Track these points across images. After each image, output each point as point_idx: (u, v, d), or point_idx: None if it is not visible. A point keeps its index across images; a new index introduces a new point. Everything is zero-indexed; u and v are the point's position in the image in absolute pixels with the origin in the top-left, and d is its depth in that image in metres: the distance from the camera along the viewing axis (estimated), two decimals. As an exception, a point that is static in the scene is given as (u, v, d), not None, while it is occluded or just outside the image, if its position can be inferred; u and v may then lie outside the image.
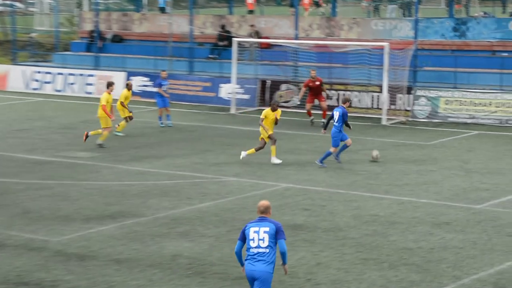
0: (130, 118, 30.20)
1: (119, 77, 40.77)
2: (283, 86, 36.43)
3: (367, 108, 34.19)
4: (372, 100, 34.16)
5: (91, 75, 41.78)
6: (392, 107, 33.41)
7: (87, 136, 27.91)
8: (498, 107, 31.59)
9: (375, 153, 24.95)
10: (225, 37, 41.47)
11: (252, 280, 12.20)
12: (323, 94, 32.36)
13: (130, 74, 40.53)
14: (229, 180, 23.02)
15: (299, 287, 14.64)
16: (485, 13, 55.21)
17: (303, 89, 32.18)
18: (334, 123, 24.55)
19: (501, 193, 21.15)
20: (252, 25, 41.60)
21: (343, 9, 52.07)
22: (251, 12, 58.34)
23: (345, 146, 24.74)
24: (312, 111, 32.13)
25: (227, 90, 37.33)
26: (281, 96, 36.25)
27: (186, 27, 42.39)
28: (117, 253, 16.54)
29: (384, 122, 32.38)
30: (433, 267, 15.55)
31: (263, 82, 36.82)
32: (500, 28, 36.16)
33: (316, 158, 25.59)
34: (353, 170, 24.10)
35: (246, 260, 12.20)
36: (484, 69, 34.68)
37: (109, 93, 28.18)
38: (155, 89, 33.21)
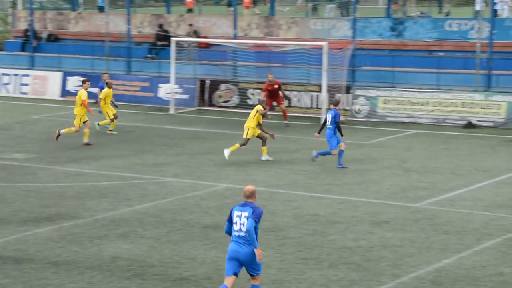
0: (115, 116, 30.36)
1: (55, 77, 40.46)
2: (222, 86, 36.46)
3: (307, 108, 34.41)
4: (311, 100, 34.39)
5: (26, 75, 41.31)
6: (331, 106, 33.62)
7: (59, 135, 28.03)
8: (435, 106, 32.06)
9: (357, 107, 24.98)
10: (163, 36, 41.35)
11: (234, 259, 12.97)
12: (281, 95, 32.38)
13: (67, 74, 40.22)
14: (169, 181, 22.97)
15: (240, 287, 14.68)
16: (421, 13, 55.96)
17: (264, 93, 32.17)
18: (328, 126, 24.54)
19: (439, 191, 21.48)
20: (190, 25, 41.54)
21: (282, 8, 52.39)
22: (190, 11, 58.29)
23: (341, 152, 24.48)
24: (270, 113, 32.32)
25: (165, 90, 37.23)
26: (220, 96, 36.30)
27: (123, 27, 42.12)
28: (55, 256, 16.39)
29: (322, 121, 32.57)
30: (373, 265, 15.73)
31: (202, 82, 36.80)
32: (436, 28, 36.69)
33: (256, 157, 25.71)
34: (293, 170, 24.24)
35: (231, 241, 12.96)
36: (421, 68, 35.14)
37: (85, 90, 28.53)
38: (94, 90, 33.00)
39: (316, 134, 25.58)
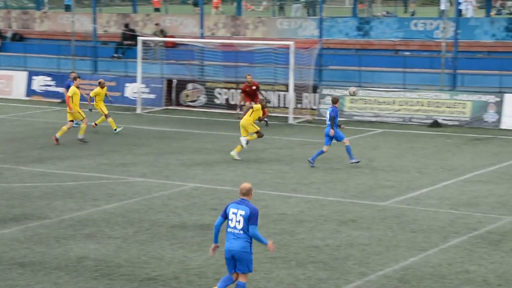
0: (106, 116, 30.53)
1: (20, 77, 40.16)
2: (190, 86, 36.39)
3: (274, 107, 34.44)
4: (279, 99, 34.44)
5: (-9, 75, 40.97)
6: (299, 106, 33.78)
7: (57, 139, 28.19)
8: (402, 105, 32.25)
9: (353, 89, 25.26)
10: (130, 36, 41.21)
11: (230, 257, 13.20)
12: (260, 96, 32.28)
13: (32, 74, 39.96)
14: (136, 181, 22.89)
15: (208, 287, 14.67)
16: (387, 12, 56.33)
17: (242, 95, 32.10)
18: (327, 123, 24.63)
19: (405, 190, 21.60)
20: (157, 24, 41.44)
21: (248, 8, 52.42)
22: (157, 10, 58.19)
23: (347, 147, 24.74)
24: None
25: (132, 90, 37.11)
26: (187, 96, 36.24)
27: (89, 26, 41.94)
28: (21, 257, 16.26)
29: (290, 121, 32.70)
30: (340, 264, 15.79)
31: (169, 82, 36.71)
32: (402, 27, 36.91)
33: (223, 157, 25.72)
34: (261, 169, 24.27)
35: (226, 237, 13.20)
36: (388, 68, 35.33)
37: (76, 87, 28.56)
38: (61, 89, 32.85)
39: (331, 131, 25.23)
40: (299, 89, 33.56)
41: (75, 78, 29.16)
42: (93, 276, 15.26)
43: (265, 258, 16.12)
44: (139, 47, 35.71)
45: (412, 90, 32.44)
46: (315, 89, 33.83)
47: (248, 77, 31.89)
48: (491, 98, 30.95)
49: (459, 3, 36.18)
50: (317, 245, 16.98)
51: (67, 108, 28.54)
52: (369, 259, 16.06)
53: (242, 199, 13.24)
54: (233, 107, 35.09)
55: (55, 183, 22.66)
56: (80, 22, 43.50)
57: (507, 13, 59.50)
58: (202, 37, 37.73)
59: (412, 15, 56.43)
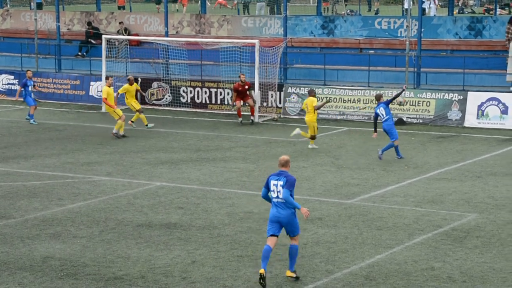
0: (140, 110, 31.02)
1: (-17, 75, 39.77)
2: (155, 84, 36.26)
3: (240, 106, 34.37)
4: (244, 98, 34.39)
5: (-49, 73, 40.54)
6: (264, 104, 33.81)
7: (116, 133, 29.02)
8: (367, 103, 32.39)
9: (401, 99, 25.57)
10: (93, 34, 40.98)
11: (276, 221, 14.60)
12: (249, 95, 32.25)
13: (-5, 72, 39.59)
14: (101, 180, 22.76)
15: (174, 286, 14.63)
16: (351, 11, 56.58)
17: (234, 93, 32.08)
18: (385, 118, 25.00)
19: (371, 187, 21.70)
20: (121, 22, 41.22)
21: (212, 7, 52.36)
22: (121, 8, 57.97)
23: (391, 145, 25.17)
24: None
25: (97, 88, 36.89)
26: (152, 94, 36.09)
27: (52, 24, 41.66)
28: (-14, 257, 16.12)
29: (256, 119, 32.69)
30: (307, 262, 15.81)
31: (134, 80, 36.43)
32: (366, 26, 37.05)
33: (189, 155, 25.68)
34: (227, 168, 24.24)
35: (272, 205, 14.64)
36: (352, 66, 35.48)
37: (109, 86, 29.26)
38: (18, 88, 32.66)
39: (374, 134, 25.63)
40: (265, 88, 33.60)
41: (107, 78, 29.88)
42: (59, 276, 15.15)
43: (232, 257, 16.11)
44: (104, 45, 35.53)
45: (377, 88, 32.58)
46: (280, 87, 33.88)
47: (242, 76, 31.95)
48: (455, 96, 31.19)
49: (422, 2, 36.40)
50: (284, 243, 16.94)
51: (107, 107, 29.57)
52: (335, 256, 16.10)
53: (280, 170, 14.67)
54: (199, 105, 35.08)
55: (19, 182, 22.47)
56: (43, 20, 43.21)
57: (469, 12, 60.06)
58: (166, 35, 37.60)
59: (376, 13, 56.70)
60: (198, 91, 35.33)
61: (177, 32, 40.14)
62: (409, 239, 17.16)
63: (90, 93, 37.38)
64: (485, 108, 30.72)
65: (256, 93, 32.82)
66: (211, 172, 23.67)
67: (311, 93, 27.28)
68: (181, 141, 28.67)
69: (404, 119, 31.58)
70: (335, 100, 32.77)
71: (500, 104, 30.35)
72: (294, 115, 33.33)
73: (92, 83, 37.39)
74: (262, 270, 14.33)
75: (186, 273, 15.24)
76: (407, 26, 33.57)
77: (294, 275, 14.74)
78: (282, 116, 33.40)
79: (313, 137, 27.06)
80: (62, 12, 43.33)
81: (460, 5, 62.40)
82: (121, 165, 24.67)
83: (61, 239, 17.36)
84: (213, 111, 34.69)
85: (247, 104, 32.27)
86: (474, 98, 30.92)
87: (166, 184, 22.19)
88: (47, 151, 26.92)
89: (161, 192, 21.35)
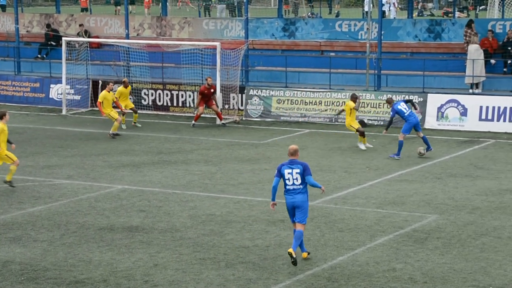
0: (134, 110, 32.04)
1: None
2: (116, 87, 36.04)
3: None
4: (206, 100, 34.36)
5: None
6: (226, 106, 33.80)
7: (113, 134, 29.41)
8: (328, 105, 32.51)
9: (421, 150, 25.88)
10: (52, 36, 40.70)
11: (292, 208, 15.77)
12: (213, 99, 32.18)
13: (-47, 75, 39.13)
14: (62, 183, 22.59)
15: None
16: (312, 13, 56.78)
17: (199, 96, 31.97)
18: (408, 112, 25.80)
19: (332, 189, 21.76)
20: (81, 25, 40.99)
21: (174, 8, 52.26)
22: (84, 10, 57.73)
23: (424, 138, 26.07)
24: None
25: (57, 91, 36.65)
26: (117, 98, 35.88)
27: (11, 26, 41.32)
28: None
29: (218, 122, 32.67)
30: (269, 264, 15.83)
31: (95, 83, 36.34)
32: (327, 28, 37.20)
33: (151, 158, 25.60)
34: (189, 170, 24.19)
35: (285, 194, 15.76)
36: (313, 68, 35.60)
37: (108, 92, 29.73)
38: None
39: (384, 131, 27.08)
40: (226, 90, 33.59)
41: (107, 83, 30.30)
42: (19, 280, 15.02)
43: (195, 260, 16.09)
44: (64, 48, 35.30)
45: (338, 91, 32.74)
46: (242, 89, 33.89)
47: (209, 79, 31.88)
48: (415, 98, 31.40)
49: (382, 5, 36.64)
50: (246, 245, 17.00)
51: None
52: (297, 258, 16.11)
53: (291, 160, 15.71)
54: (160, 108, 34.96)
55: (-22, 186, 22.23)
56: (2, 22, 42.91)
57: (428, 15, 60.56)
58: (127, 37, 37.44)
59: (337, 16, 56.98)
60: (159, 94, 35.24)
61: (138, 35, 40.02)
62: (370, 241, 17.25)
63: (50, 96, 37.11)
64: (444, 110, 31.00)
65: (218, 95, 32.80)
66: (173, 175, 23.61)
67: (353, 97, 27.37)
68: (143, 143, 28.56)
69: (365, 120, 31.74)
70: (296, 102, 32.84)
71: (460, 106, 30.64)
72: (256, 117, 33.36)
73: (52, 85, 37.12)
74: (305, 254, 15.99)
75: (148, 276, 15.18)
76: (367, 28, 33.76)
77: (293, 253, 15.42)
78: (244, 118, 33.41)
79: (361, 134, 27.36)
80: (21, 14, 42.99)
81: (419, 8, 62.88)
82: (82, 168, 24.51)
83: (21, 243, 17.20)
84: (174, 114, 34.60)
85: (207, 109, 32.20)
86: (434, 100, 31.18)
87: (128, 187, 22.09)
88: (6, 154, 26.62)
89: (123, 195, 21.25)
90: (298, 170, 15.58)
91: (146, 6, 58.50)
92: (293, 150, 15.79)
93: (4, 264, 15.86)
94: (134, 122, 31.85)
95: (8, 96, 37.77)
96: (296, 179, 15.61)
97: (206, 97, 31.89)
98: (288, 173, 15.61)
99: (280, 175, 15.68)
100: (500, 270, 15.40)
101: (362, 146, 27.22)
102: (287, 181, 15.64)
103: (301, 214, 15.68)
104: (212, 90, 31.90)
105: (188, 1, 57.82)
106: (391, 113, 26.32)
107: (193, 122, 32.10)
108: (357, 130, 27.27)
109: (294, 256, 15.30)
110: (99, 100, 29.76)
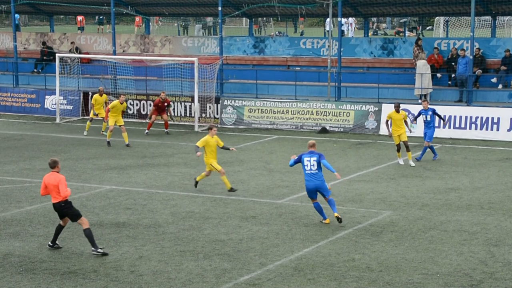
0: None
1: None
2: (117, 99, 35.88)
3: (181, 117, 34.33)
4: (185, 109, 34.33)
5: None
6: (203, 115, 33.74)
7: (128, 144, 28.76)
8: (294, 114, 32.55)
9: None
10: (48, 52, 40.46)
11: (314, 190, 17.75)
12: (167, 111, 32.01)
13: (-43, 87, 38.75)
14: (56, 184, 22.37)
15: (124, 278, 14.50)
16: (279, 32, 56.83)
17: (153, 107, 31.81)
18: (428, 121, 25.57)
19: (298, 189, 21.77)
20: (72, 42, 40.76)
21: (156, 27, 52.08)
22: (81, 29, 57.72)
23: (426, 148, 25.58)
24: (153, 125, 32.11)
25: (52, 101, 36.42)
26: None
27: (10, 44, 41.02)
28: (-50, 255, 15.74)
29: (196, 129, 32.61)
30: (242, 256, 15.82)
31: (85, 94, 36.14)
32: (293, 45, 37.26)
33: (136, 161, 25.48)
34: (170, 172, 24.11)
35: (306, 179, 17.72)
36: (281, 81, 35.63)
37: (121, 103, 28.84)
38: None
39: (442, 122, 27.65)
40: (203, 100, 33.54)
41: (120, 96, 29.69)
42: (18, 271, 14.90)
43: (176, 252, 16.03)
44: (57, 63, 35.10)
45: (303, 101, 32.78)
46: (217, 100, 33.84)
47: (162, 94, 31.72)
48: (371, 108, 31.54)
49: (342, 25, 36.76)
50: (221, 239, 16.98)
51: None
52: (268, 250, 16.14)
53: (310, 151, 17.72)
54: (144, 116, 34.83)
55: (-20, 187, 22.02)
56: (1, 40, 42.56)
57: (382, 34, 60.85)
58: (114, 54, 37.28)
59: (301, 34, 57.08)
60: (143, 104, 35.11)
61: (123, 51, 39.84)
62: (332, 234, 17.29)
63: (45, 106, 36.84)
64: (397, 118, 31.07)
65: (196, 105, 32.75)
66: (156, 176, 23.52)
67: (397, 107, 25.09)
68: (129, 148, 28.42)
69: (327, 127, 31.83)
70: (266, 111, 32.87)
71: (410, 115, 30.77)
72: (230, 124, 33.34)
73: (47, 96, 36.87)
74: (328, 220, 18.01)
75: (134, 267, 15.12)
76: (328, 46, 33.87)
77: (339, 215, 17.76)
78: (219, 125, 33.37)
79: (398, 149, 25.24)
80: (18, 33, 42.65)
81: (374, 27, 63.17)
82: (74, 170, 24.34)
83: (20, 238, 17.06)
84: (157, 122, 34.46)
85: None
86: (388, 110, 31.21)
87: (115, 187, 21.98)
88: (6, 158, 26.42)
89: (111, 194, 21.14)
90: (315, 159, 17.57)
91: (136, 24, 58.20)
92: (312, 144, 17.81)
93: (5, 256, 15.73)
94: (102, 131, 31.21)
95: (7, 106, 37.48)
96: (313, 165, 17.57)
97: (160, 109, 31.71)
98: (307, 160, 17.59)
99: (299, 160, 17.77)
100: (446, 260, 15.51)
101: (402, 162, 24.94)
102: (306, 167, 17.63)
103: (326, 192, 17.76)
104: (165, 104, 31.73)
105: (156, 20, 57.17)
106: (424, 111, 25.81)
107: (146, 131, 31.78)
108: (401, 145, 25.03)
109: (340, 217, 17.71)
110: (108, 107, 29.02)
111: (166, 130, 31.92)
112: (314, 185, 17.70)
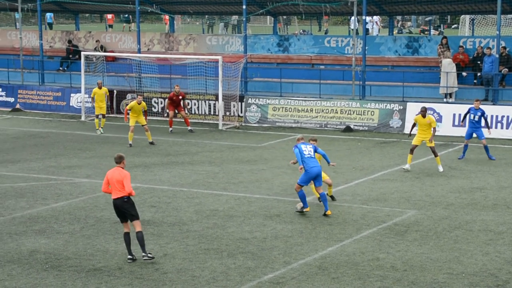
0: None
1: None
2: (129, 95, 36.08)
3: (205, 115, 34.40)
4: (209, 108, 34.40)
5: None
6: (227, 113, 33.78)
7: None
8: (318, 113, 32.50)
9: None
10: (73, 51, 40.69)
11: (316, 175, 18.59)
12: (183, 106, 32.17)
13: (-16, 85, 39.14)
14: (82, 181, 22.57)
15: (149, 276, 14.56)
16: (303, 30, 56.75)
17: (168, 101, 32.00)
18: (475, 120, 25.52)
19: (322, 187, 21.65)
20: (97, 40, 40.96)
21: (181, 26, 52.20)
22: (110, 26, 58.13)
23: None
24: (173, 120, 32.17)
25: (77, 100, 36.63)
26: (126, 105, 35.84)
27: (36, 42, 41.31)
28: (-23, 252, 15.90)
29: (220, 127, 32.66)
30: (266, 254, 15.82)
31: (110, 92, 36.25)
32: (317, 44, 37.19)
33: (160, 159, 25.58)
34: (194, 170, 24.17)
35: (310, 164, 18.45)
36: (305, 79, 35.58)
37: (138, 104, 28.48)
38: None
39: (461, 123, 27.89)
40: (227, 99, 33.58)
41: (138, 95, 29.70)
42: (44, 268, 15.01)
43: (200, 250, 16.08)
44: (82, 61, 35.29)
45: (327, 99, 32.72)
46: (241, 98, 33.87)
47: (177, 87, 31.84)
48: (396, 106, 31.41)
49: (366, 23, 36.64)
50: (245, 237, 17.00)
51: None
52: (292, 249, 16.13)
53: (303, 142, 18.93)
54: (168, 114, 34.91)
55: (7, 184, 22.20)
56: (28, 39, 42.82)
57: (407, 32, 60.57)
58: (139, 52, 37.43)
59: (326, 33, 56.96)
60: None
61: (148, 49, 39.98)
62: (357, 233, 17.25)
63: (71, 104, 37.08)
64: (422, 117, 30.94)
65: (220, 103, 32.81)
66: (180, 174, 23.59)
67: (423, 112, 23.89)
68: (153, 146, 28.52)
69: (352, 126, 31.74)
70: (290, 110, 32.85)
71: (435, 114, 30.63)
72: (254, 123, 33.35)
73: (72, 94, 37.09)
74: (308, 208, 18.75)
75: (158, 265, 15.17)
76: (353, 44, 33.77)
77: (329, 213, 18.53)
78: (243, 124, 33.41)
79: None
80: (44, 31, 42.97)
81: (399, 26, 62.90)
82: (99, 168, 24.47)
83: (45, 234, 17.19)
84: (181, 120, 34.55)
85: (178, 114, 32.16)
86: (413, 108, 31.16)
87: (140, 185, 22.07)
88: (32, 156, 26.64)
89: (136, 192, 21.06)
90: (311, 146, 18.84)
91: (166, 22, 58.31)
92: (301, 137, 19.20)
93: (31, 253, 15.85)
94: (101, 127, 31.27)
95: (34, 104, 37.74)
96: (310, 151, 18.65)
97: (175, 102, 31.82)
98: (305, 147, 18.69)
99: (299, 150, 18.58)
100: (472, 260, 15.42)
101: (408, 167, 24.05)
102: (304, 152, 18.58)
103: (320, 179, 18.62)
104: (180, 97, 31.83)
105: (179, 18, 56.91)
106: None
107: (170, 129, 31.77)
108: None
109: (330, 214, 18.50)
110: (127, 108, 28.85)
111: (189, 128, 31.98)
112: (318, 169, 18.48)
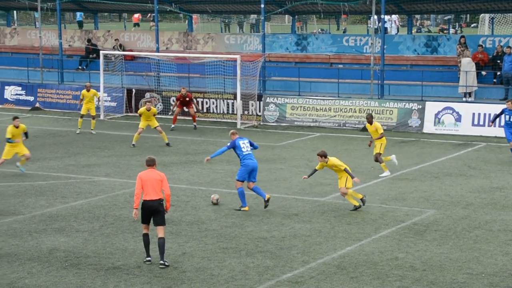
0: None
1: (-7, 87, 39.52)
2: (147, 94, 36.18)
3: (223, 114, 34.44)
4: (228, 107, 34.42)
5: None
6: (245, 112, 33.79)
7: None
8: (336, 112, 32.43)
9: (215, 197, 20.44)
10: (91, 50, 40.84)
11: (252, 170, 19.05)
12: (193, 105, 32.33)
13: (4, 84, 39.34)
14: (100, 180, 22.65)
15: (167, 275, 14.60)
16: (322, 29, 56.66)
17: (176, 102, 32.19)
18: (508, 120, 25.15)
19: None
20: (116, 39, 41.10)
21: (199, 25, 52.31)
22: (136, 25, 58.48)
23: None
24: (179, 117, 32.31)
25: (96, 99, 36.65)
26: (145, 103, 35.94)
27: (55, 41, 41.50)
28: (-3, 249, 16.00)
29: (238, 126, 32.67)
30: (285, 253, 15.81)
31: (129, 91, 36.44)
32: (335, 43, 37.13)
33: (179, 158, 25.61)
34: (213, 169, 24.19)
35: (245, 159, 19.06)
36: (323, 78, 35.52)
37: (148, 110, 28.28)
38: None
39: (490, 123, 27.80)
40: (246, 98, 33.58)
41: (148, 102, 29.98)
42: (63, 266, 15.08)
43: (218, 249, 16.09)
44: (101, 60, 35.42)
45: (345, 98, 32.66)
46: (259, 97, 33.86)
47: (183, 90, 32.11)
48: (414, 106, 31.30)
49: (385, 22, 36.52)
50: (264, 236, 17.00)
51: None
52: (310, 248, 16.11)
53: (240, 137, 19.45)
54: (187, 113, 34.97)
55: (27, 183, 22.33)
56: (47, 38, 43.04)
57: (426, 31, 60.33)
58: (158, 51, 37.52)
59: (344, 32, 56.85)
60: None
61: (167, 48, 40.08)
62: (375, 233, 17.20)
63: (90, 103, 37.15)
64: (441, 116, 30.85)
65: (238, 102, 32.82)
66: (199, 173, 23.62)
67: (369, 119, 23.62)
68: (172, 145, 28.57)
69: (370, 125, 31.61)
70: (308, 109, 32.81)
71: (454, 113, 30.53)
72: (272, 122, 33.34)
73: (91, 93, 37.18)
74: (247, 207, 19.11)
75: (177, 263, 15.20)
76: (371, 43, 33.68)
77: (268, 196, 19.16)
78: (261, 123, 33.41)
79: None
80: (64, 30, 43.17)
81: (418, 25, 62.65)
82: (118, 167, 24.56)
83: (65, 233, 17.27)
84: (199, 119, 34.62)
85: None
86: (431, 107, 31.05)
87: (159, 184, 22.06)
88: (51, 154, 26.77)
89: (154, 191, 21.21)
90: (247, 141, 19.35)
91: (195, 22, 58.24)
92: (235, 132, 19.71)
93: (50, 251, 15.93)
94: (92, 128, 31.24)
95: (53, 103, 37.92)
96: (248, 147, 19.19)
97: (184, 103, 32.06)
98: (242, 143, 19.15)
99: (233, 146, 19.18)
100: (492, 260, 15.34)
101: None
102: (243, 149, 19.11)
103: (255, 175, 19.12)
104: (187, 99, 31.94)
105: (196, 18, 56.79)
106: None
107: (172, 126, 31.87)
108: None
109: (268, 198, 19.10)
110: (138, 112, 28.90)
111: (194, 124, 32.05)
112: (254, 164, 19.02)
